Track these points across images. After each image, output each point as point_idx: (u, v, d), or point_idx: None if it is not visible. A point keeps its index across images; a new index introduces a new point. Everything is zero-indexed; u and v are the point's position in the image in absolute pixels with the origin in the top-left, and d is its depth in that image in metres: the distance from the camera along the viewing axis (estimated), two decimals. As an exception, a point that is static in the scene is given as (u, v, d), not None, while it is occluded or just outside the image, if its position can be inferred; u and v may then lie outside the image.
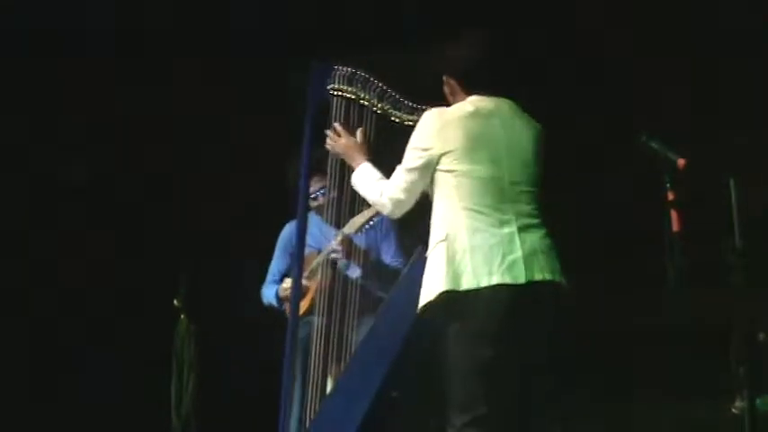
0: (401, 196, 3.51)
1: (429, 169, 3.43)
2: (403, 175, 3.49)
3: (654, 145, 3.37)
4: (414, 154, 3.46)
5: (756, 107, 5.07)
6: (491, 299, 3.27)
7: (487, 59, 3.52)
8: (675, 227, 3.29)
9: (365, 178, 3.67)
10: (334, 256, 4.34)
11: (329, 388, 4.14)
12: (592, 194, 5.05)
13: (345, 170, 3.83)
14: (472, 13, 5.13)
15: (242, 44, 5.52)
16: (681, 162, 3.30)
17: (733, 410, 4.05)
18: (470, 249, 3.31)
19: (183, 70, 5.62)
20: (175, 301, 4.50)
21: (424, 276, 3.39)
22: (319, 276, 4.37)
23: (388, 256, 4.47)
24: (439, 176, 3.42)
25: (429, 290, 3.35)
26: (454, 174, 3.38)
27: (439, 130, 3.41)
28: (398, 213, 3.57)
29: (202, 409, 4.55)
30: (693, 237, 3.32)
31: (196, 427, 4.48)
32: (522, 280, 3.28)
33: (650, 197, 3.48)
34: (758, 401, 3.54)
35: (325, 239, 4.50)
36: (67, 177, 5.65)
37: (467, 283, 3.28)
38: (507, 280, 3.27)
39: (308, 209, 4.10)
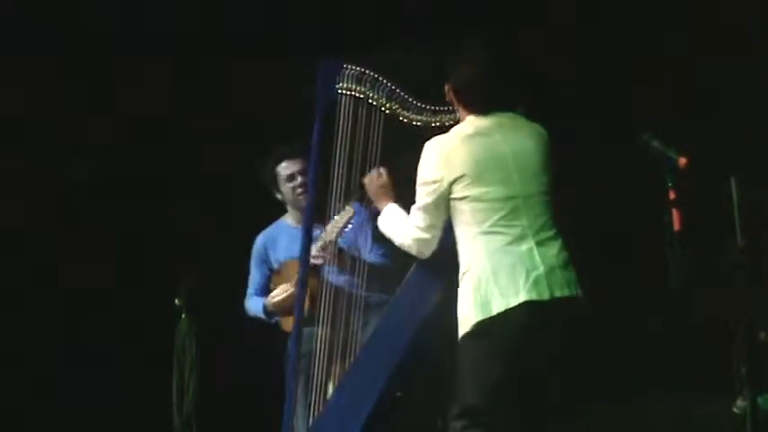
0: (424, 235, 3.51)
1: (443, 200, 3.42)
2: (419, 213, 3.50)
3: (655, 144, 3.37)
4: (424, 190, 3.46)
5: (756, 107, 5.07)
6: (518, 316, 3.30)
7: (483, 77, 3.49)
8: (676, 226, 3.30)
9: (391, 219, 3.68)
10: (315, 262, 4.29)
11: (330, 391, 4.13)
12: (592, 193, 5.05)
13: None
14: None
15: (242, 44, 5.52)
16: (682, 161, 3.30)
17: (734, 410, 4.05)
18: (492, 273, 3.34)
19: (183, 70, 5.62)
20: (177, 300, 4.49)
21: (458, 306, 3.39)
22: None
23: (366, 250, 4.36)
24: (453, 205, 3.41)
25: (463, 321, 3.38)
26: (467, 200, 3.38)
27: (443, 159, 3.41)
28: (427, 252, 3.57)
29: (204, 408, 4.54)
30: (695, 236, 3.33)
31: (197, 426, 4.46)
32: (546, 296, 3.32)
33: (651, 196, 3.48)
34: (759, 401, 3.54)
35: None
36: (67, 177, 5.64)
37: (497, 308, 3.31)
38: (534, 297, 3.31)
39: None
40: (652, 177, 3.42)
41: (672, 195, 3.31)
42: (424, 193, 3.45)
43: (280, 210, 4.69)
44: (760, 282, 3.58)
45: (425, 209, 3.46)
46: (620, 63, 5.27)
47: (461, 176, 3.37)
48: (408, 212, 3.61)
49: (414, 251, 3.58)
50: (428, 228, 3.48)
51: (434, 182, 3.41)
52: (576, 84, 5.21)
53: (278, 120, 5.44)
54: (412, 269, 3.94)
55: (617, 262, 5.13)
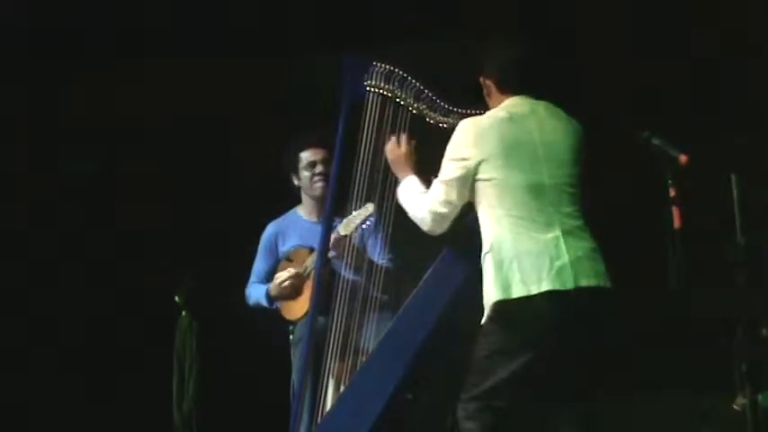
0: (441, 209, 3.49)
1: (468, 179, 3.43)
2: (441, 187, 3.48)
3: (656, 142, 3.38)
4: (451, 165, 3.46)
5: (756, 107, 5.07)
6: (542, 305, 3.29)
7: (523, 61, 3.52)
8: (677, 223, 3.30)
9: (410, 191, 3.66)
10: (328, 255, 4.29)
11: (330, 387, 4.12)
12: (591, 192, 5.05)
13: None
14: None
15: (242, 44, 5.52)
16: (683, 158, 3.31)
17: (735, 407, 4.05)
18: (516, 257, 3.33)
19: (182, 70, 5.62)
20: (177, 298, 4.49)
21: (483, 284, 3.39)
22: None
23: (375, 254, 4.36)
24: (479, 186, 3.42)
25: (486, 299, 3.38)
26: (493, 182, 3.38)
27: (475, 140, 3.41)
28: (439, 229, 3.55)
29: (204, 405, 4.55)
30: (695, 233, 3.33)
31: (197, 423, 4.47)
32: (570, 285, 3.31)
33: (651, 194, 3.49)
34: (760, 397, 3.55)
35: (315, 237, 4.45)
36: (68, 177, 5.65)
37: (517, 292, 3.31)
38: (557, 286, 3.29)
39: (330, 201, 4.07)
40: (652, 175, 3.42)
41: (672, 193, 3.31)
42: (452, 168, 3.45)
43: (280, 207, 4.70)
44: (761, 279, 3.57)
45: (450, 183, 3.45)
46: (621, 63, 5.27)
47: (489, 159, 3.37)
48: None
49: (426, 225, 3.55)
50: (447, 203, 3.47)
51: (463, 159, 3.41)
52: (575, 83, 5.20)
53: (277, 119, 5.46)
54: (430, 270, 3.92)
55: (618, 258, 5.11)
